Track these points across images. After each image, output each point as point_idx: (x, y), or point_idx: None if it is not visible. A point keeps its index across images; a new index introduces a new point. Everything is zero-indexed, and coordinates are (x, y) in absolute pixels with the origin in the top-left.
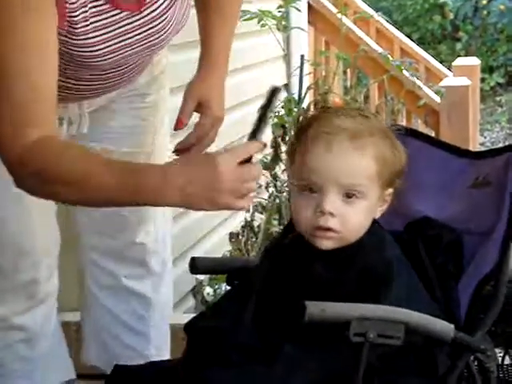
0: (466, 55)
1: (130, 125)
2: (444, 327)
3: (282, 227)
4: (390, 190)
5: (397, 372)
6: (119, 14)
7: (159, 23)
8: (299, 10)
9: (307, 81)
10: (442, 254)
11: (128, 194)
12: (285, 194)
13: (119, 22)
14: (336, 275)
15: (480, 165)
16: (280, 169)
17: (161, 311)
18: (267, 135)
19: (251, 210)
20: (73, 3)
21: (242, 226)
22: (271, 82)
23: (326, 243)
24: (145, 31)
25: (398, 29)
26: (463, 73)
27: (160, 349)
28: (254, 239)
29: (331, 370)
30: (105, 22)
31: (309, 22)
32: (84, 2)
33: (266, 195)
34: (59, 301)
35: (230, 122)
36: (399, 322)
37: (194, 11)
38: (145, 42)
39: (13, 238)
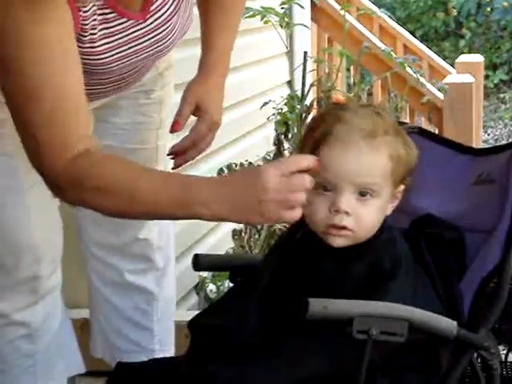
0: (469, 52)
1: (134, 121)
2: (447, 324)
3: (284, 224)
4: (402, 187)
5: (400, 369)
6: (125, 22)
7: (164, 30)
8: (302, 7)
9: (310, 78)
10: (443, 252)
11: (178, 207)
12: None
13: (125, 31)
14: (345, 272)
15: (483, 162)
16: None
17: (164, 306)
18: (270, 132)
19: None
20: (86, 11)
21: (245, 223)
22: (274, 78)
23: (339, 241)
24: (150, 39)
25: (401, 25)
26: (467, 70)
27: (164, 344)
28: (256, 236)
29: (334, 367)
30: (112, 30)
31: (312, 18)
32: (94, 10)
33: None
34: (63, 298)
35: (233, 119)
36: (402, 319)
37: (196, 10)
38: (150, 48)
39: (13, 235)
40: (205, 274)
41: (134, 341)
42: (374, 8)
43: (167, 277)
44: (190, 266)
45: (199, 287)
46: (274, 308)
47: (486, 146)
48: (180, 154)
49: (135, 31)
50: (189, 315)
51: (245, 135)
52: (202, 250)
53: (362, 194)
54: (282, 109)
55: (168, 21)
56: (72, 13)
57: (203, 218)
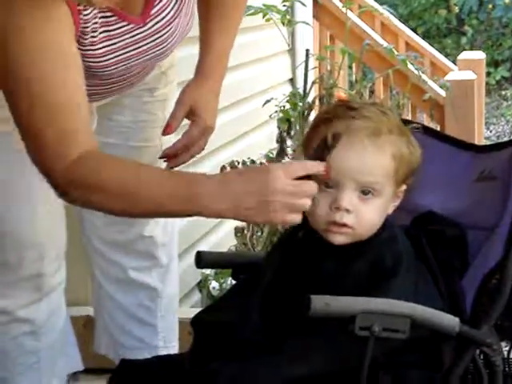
0: (471, 49)
1: (138, 119)
2: (449, 321)
3: None
4: (404, 187)
5: (402, 366)
6: (126, 25)
7: (164, 34)
8: (304, 5)
9: (312, 75)
10: (445, 249)
11: (181, 204)
12: None
13: (126, 34)
14: (346, 269)
15: (485, 159)
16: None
17: (168, 303)
18: (273, 130)
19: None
20: (87, 14)
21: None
22: (276, 76)
23: (340, 238)
24: (150, 42)
25: (403, 23)
26: (468, 67)
27: (168, 340)
28: (259, 234)
29: (336, 364)
30: (112, 33)
31: (314, 16)
32: (95, 13)
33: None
34: (67, 296)
35: (235, 116)
36: (404, 315)
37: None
38: (151, 51)
39: (17, 232)
40: (207, 271)
41: (137, 337)
42: (376, 5)
43: (171, 273)
44: (193, 263)
45: (202, 284)
46: (276, 305)
47: (487, 142)
48: (172, 157)
49: (136, 35)
50: (192, 312)
51: (247, 133)
52: (204, 247)
53: (364, 192)
54: (284, 106)
55: (169, 24)
56: (73, 16)
57: (207, 215)
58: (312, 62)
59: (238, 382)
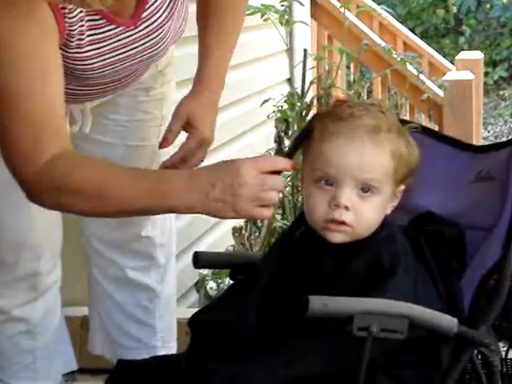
0: (469, 49)
1: (134, 118)
2: (448, 321)
3: (285, 222)
4: (402, 187)
5: (400, 366)
6: (115, 28)
7: (156, 37)
8: (302, 4)
9: (310, 75)
10: (443, 249)
11: (152, 200)
12: (288, 188)
13: (114, 37)
14: (344, 268)
15: (483, 159)
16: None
17: (166, 303)
18: (270, 130)
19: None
20: (72, 17)
21: (245, 221)
22: (274, 76)
23: (338, 237)
24: (141, 45)
25: (401, 23)
26: (466, 67)
27: (167, 341)
28: (257, 234)
29: (334, 365)
30: (99, 36)
31: (312, 16)
32: (82, 16)
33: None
34: (64, 296)
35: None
36: (402, 316)
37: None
38: (141, 54)
39: (14, 232)
40: (205, 271)
41: (136, 337)
42: (374, 5)
43: (168, 274)
44: (191, 263)
45: (199, 285)
46: (273, 305)
47: (485, 142)
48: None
49: (125, 37)
50: (189, 313)
51: (245, 133)
52: (202, 247)
53: (364, 190)
54: (282, 106)
55: (160, 27)
56: (57, 18)
57: (178, 210)
58: (310, 62)
59: (235, 383)
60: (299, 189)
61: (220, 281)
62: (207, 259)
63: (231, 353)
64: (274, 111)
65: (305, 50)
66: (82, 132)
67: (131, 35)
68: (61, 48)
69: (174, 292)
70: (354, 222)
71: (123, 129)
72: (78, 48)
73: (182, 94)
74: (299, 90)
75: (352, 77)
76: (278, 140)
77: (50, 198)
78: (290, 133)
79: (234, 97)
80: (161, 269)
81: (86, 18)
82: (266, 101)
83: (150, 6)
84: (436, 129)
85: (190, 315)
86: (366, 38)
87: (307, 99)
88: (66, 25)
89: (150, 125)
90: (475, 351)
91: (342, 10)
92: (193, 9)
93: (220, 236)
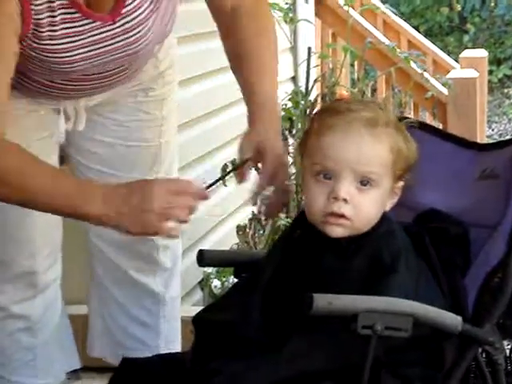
0: (473, 47)
1: (134, 118)
2: (452, 320)
3: (289, 220)
4: (401, 183)
5: (404, 364)
6: (91, 23)
7: (136, 34)
8: (306, 2)
9: (314, 73)
10: (448, 247)
11: (68, 203)
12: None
13: (91, 31)
14: (345, 265)
15: (487, 157)
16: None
17: (171, 306)
18: None
19: (259, 203)
20: (38, 5)
21: (250, 219)
22: (278, 74)
23: (337, 230)
24: (119, 41)
25: (405, 21)
26: (471, 65)
27: (171, 342)
28: (261, 232)
29: (338, 362)
30: (75, 30)
31: (316, 14)
32: (52, 7)
33: (273, 188)
34: (68, 294)
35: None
36: (407, 314)
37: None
38: (121, 50)
39: (10, 230)
40: (209, 269)
41: (139, 339)
42: (378, 3)
43: (174, 277)
44: (195, 261)
45: (204, 283)
46: (276, 303)
47: (490, 141)
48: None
49: (102, 32)
50: (193, 311)
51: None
52: (206, 245)
53: (363, 183)
54: (286, 104)
55: (140, 24)
56: (22, 6)
57: (88, 218)
58: (314, 60)
59: (240, 381)
60: None
61: (224, 279)
62: (212, 257)
63: (235, 351)
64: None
65: (309, 49)
66: (75, 129)
67: (109, 30)
68: (31, 39)
69: (178, 295)
70: (353, 215)
71: (124, 129)
72: (51, 39)
73: (185, 93)
74: (303, 89)
75: (356, 75)
76: (282, 138)
77: None
78: (294, 131)
79: (238, 95)
80: (167, 272)
81: (59, 11)
82: None
83: (131, 2)
84: (440, 127)
85: (194, 313)
86: (370, 36)
87: (311, 97)
88: (32, 13)
89: (151, 125)
90: (480, 349)
91: (346, 8)
92: (184, 8)
93: (224, 234)
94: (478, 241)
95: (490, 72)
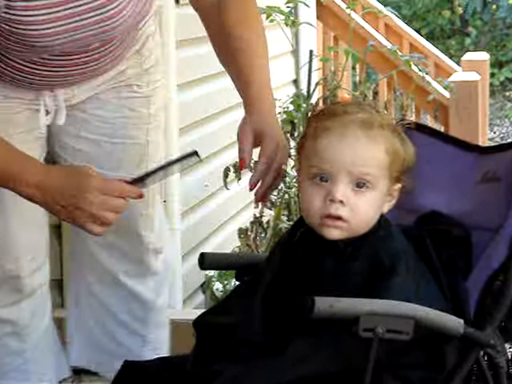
0: (475, 50)
1: (119, 115)
2: (454, 322)
3: (291, 223)
4: (398, 186)
5: (405, 367)
6: None
7: (110, 9)
8: (308, 6)
9: (316, 76)
10: (449, 249)
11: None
12: (294, 189)
13: (66, 4)
14: (345, 268)
15: (489, 160)
16: (289, 165)
17: (161, 313)
18: None
19: (260, 206)
20: None
21: (251, 222)
22: (280, 77)
23: (335, 232)
24: (94, 16)
25: (407, 24)
26: (472, 68)
27: (158, 349)
28: (262, 235)
29: (340, 365)
30: (52, 1)
31: (317, 17)
32: None
33: (275, 191)
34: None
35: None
36: (408, 317)
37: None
38: (95, 27)
39: None
40: (211, 272)
41: (125, 345)
42: (380, 6)
43: (164, 285)
44: (197, 264)
45: (205, 286)
46: (277, 306)
47: (491, 144)
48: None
49: (78, 6)
50: (195, 314)
51: None
52: (208, 248)
53: (359, 185)
54: (287, 107)
55: (114, 1)
56: None
57: (21, 191)
58: (316, 63)
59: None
60: None
61: (226, 282)
62: (213, 260)
63: (236, 354)
64: (279, 112)
65: (310, 52)
66: (55, 123)
67: (84, 4)
68: (2, 9)
69: (166, 302)
70: (350, 217)
71: (108, 126)
72: (26, 10)
73: (186, 96)
74: (305, 92)
75: (358, 78)
76: None
77: None
78: (295, 134)
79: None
80: (157, 277)
81: None
82: None
83: None
84: (442, 130)
85: (195, 316)
86: (371, 39)
87: (313, 100)
88: None
89: (137, 123)
90: (481, 352)
91: (347, 11)
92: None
93: (226, 237)
94: (480, 244)
95: (492, 75)
